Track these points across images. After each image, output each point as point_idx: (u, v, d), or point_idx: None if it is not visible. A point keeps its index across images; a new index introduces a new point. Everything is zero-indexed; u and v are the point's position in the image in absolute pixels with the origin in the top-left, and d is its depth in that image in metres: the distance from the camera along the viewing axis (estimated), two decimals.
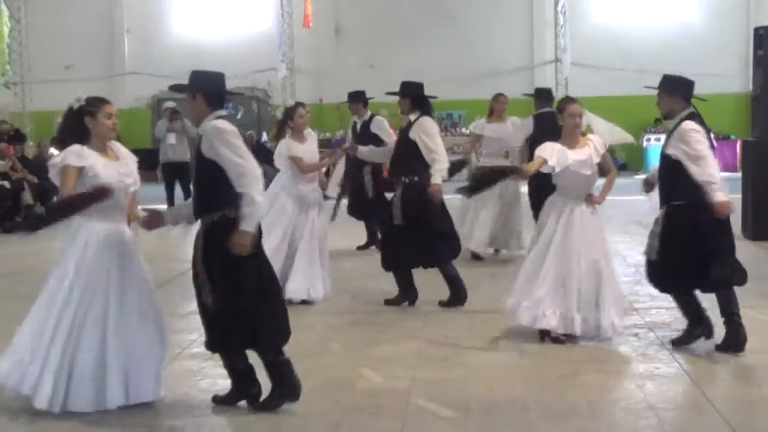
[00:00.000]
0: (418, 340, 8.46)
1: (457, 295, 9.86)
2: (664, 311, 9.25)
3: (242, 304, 6.36)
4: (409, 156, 9.77)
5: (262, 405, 6.53)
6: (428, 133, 9.67)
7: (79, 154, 6.53)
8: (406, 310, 9.75)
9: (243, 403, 6.62)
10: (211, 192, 6.41)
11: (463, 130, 30.02)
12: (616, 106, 29.48)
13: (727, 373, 7.26)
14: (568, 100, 8.48)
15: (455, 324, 9.05)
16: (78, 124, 6.66)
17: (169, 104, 19.63)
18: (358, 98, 13.67)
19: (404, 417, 6.28)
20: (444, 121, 30.05)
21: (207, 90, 6.56)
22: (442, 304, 9.86)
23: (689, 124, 7.73)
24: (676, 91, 7.95)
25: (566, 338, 8.11)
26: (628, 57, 28.23)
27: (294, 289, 9.97)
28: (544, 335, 8.18)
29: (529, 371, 7.37)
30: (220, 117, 6.47)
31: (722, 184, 7.66)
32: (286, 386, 6.48)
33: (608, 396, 6.72)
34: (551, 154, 7.97)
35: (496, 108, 13.30)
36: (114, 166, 6.63)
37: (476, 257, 12.89)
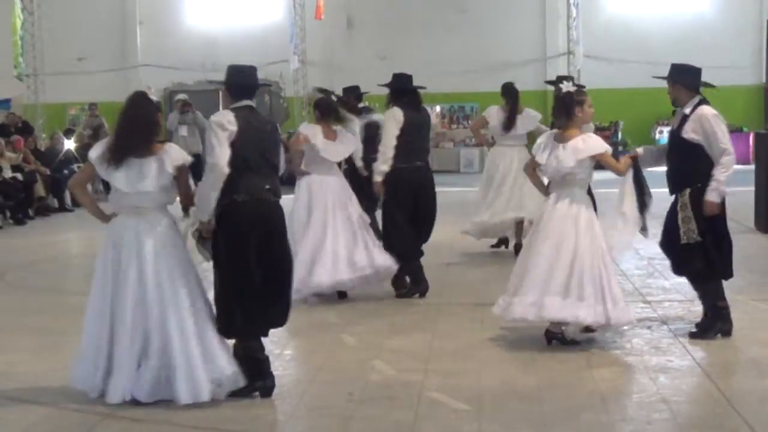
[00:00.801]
0: (430, 332, 8.46)
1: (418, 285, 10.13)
2: (677, 304, 9.24)
3: (242, 291, 6.52)
4: None
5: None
6: (385, 126, 9.98)
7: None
8: (419, 303, 9.75)
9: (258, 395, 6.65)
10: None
11: None
12: (629, 98, 29.47)
13: (740, 366, 7.25)
14: (582, 92, 8.37)
15: (467, 317, 9.05)
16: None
17: (181, 96, 19.64)
18: (350, 93, 13.66)
19: (417, 409, 6.28)
20: (456, 113, 30.05)
21: (230, 83, 6.82)
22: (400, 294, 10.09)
23: (711, 109, 7.87)
24: (678, 80, 8.01)
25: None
26: (641, 49, 28.12)
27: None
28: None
29: (542, 365, 7.36)
30: (235, 107, 6.69)
31: (724, 186, 7.81)
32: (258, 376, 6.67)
33: (621, 389, 6.72)
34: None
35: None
36: None
37: (499, 244, 12.86)
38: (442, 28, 30.23)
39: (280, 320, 6.80)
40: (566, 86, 8.09)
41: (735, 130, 27.96)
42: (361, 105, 13.24)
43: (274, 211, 6.70)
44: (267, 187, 6.64)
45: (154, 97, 6.85)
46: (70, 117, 30.10)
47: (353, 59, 29.77)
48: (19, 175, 18.63)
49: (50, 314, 9.63)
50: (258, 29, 30.83)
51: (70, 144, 21.70)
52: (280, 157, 6.89)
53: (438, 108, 29.79)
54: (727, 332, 7.98)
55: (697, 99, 7.95)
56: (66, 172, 20.77)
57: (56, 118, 29.69)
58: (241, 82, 6.86)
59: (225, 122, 6.53)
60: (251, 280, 6.55)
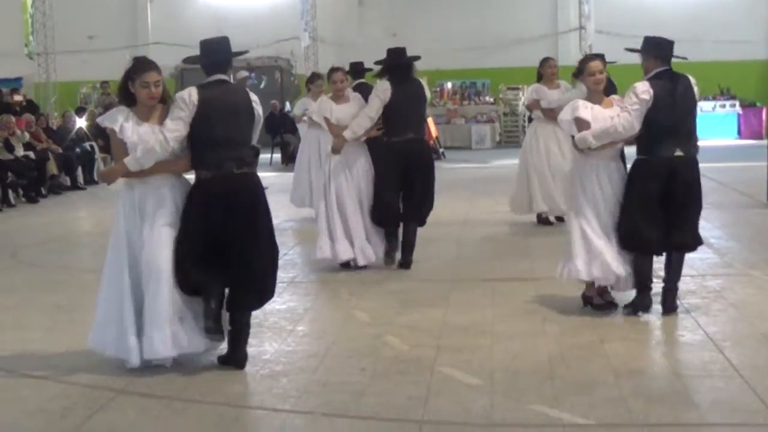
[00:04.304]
0: (442, 308, 8.47)
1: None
2: (689, 279, 9.20)
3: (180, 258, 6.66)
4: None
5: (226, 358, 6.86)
6: (370, 98, 10.20)
7: (110, 117, 6.73)
8: (430, 279, 9.76)
9: (266, 368, 6.68)
10: (192, 153, 6.77)
11: (487, 98, 29.94)
12: (641, 74, 29.38)
13: (753, 340, 7.23)
14: (587, 59, 8.40)
15: (479, 292, 9.05)
16: (125, 88, 6.79)
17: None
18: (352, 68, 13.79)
19: (429, 385, 6.29)
20: (467, 90, 29.98)
21: (202, 63, 6.96)
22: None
23: (642, 84, 7.87)
24: (649, 50, 8.09)
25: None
26: (653, 24, 27.75)
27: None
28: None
29: (554, 339, 7.36)
30: (203, 83, 6.83)
31: (586, 138, 7.82)
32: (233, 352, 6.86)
33: (633, 364, 6.71)
34: (588, 113, 7.91)
35: (546, 73, 12.93)
36: (150, 130, 6.73)
37: (546, 222, 12.86)
38: (453, 4, 30.17)
39: (250, 301, 6.88)
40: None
41: (748, 105, 27.85)
42: (361, 80, 13.21)
43: (241, 184, 6.77)
44: (231, 160, 6.70)
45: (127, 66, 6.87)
46: (82, 95, 30.13)
47: (364, 36, 29.74)
48: (31, 154, 18.68)
49: (63, 292, 9.67)
50: (268, 6, 30.82)
51: (81, 122, 21.76)
52: (252, 128, 6.98)
53: (449, 84, 29.74)
54: (645, 308, 8.02)
55: (653, 72, 7.95)
56: (78, 150, 20.81)
57: (68, 96, 29.72)
58: (212, 60, 6.91)
59: (186, 98, 6.66)
60: (201, 257, 6.66)
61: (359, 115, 10.12)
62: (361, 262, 10.14)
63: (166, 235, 6.62)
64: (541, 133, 12.72)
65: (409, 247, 10.25)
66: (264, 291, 6.90)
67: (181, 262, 6.62)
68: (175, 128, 6.62)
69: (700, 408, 5.77)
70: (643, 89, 7.79)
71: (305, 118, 13.81)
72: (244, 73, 19.59)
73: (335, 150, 10.10)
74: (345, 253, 10.12)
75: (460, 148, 27.87)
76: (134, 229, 6.66)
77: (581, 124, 7.91)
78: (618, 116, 7.80)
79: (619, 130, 7.76)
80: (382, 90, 10.06)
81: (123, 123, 6.65)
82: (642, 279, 7.99)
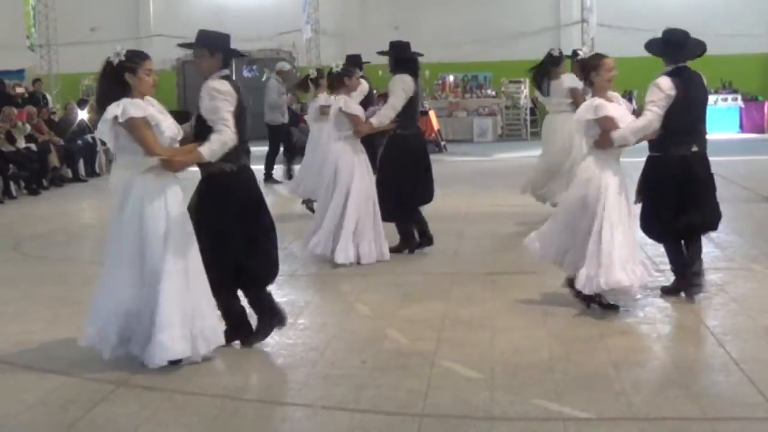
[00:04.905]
0: (443, 301, 8.47)
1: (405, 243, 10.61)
2: None
3: (226, 252, 6.81)
4: None
5: (255, 337, 7.06)
6: (392, 89, 10.34)
7: (137, 105, 6.47)
8: (431, 273, 9.76)
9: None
10: None
11: (489, 91, 29.92)
12: (643, 67, 29.22)
13: (754, 334, 7.23)
14: (599, 56, 8.36)
15: (480, 286, 9.05)
16: (118, 80, 6.54)
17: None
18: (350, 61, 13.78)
19: (429, 378, 6.30)
20: (469, 83, 29.95)
21: (225, 50, 6.97)
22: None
23: (662, 79, 8.00)
24: (652, 51, 8.25)
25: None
26: (655, 17, 27.82)
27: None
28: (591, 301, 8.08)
29: (554, 333, 7.37)
30: (225, 76, 6.89)
31: (628, 135, 7.81)
32: (273, 315, 7.11)
33: (633, 357, 6.71)
34: (615, 111, 7.88)
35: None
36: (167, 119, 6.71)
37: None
38: None
39: (264, 279, 7.12)
40: (582, 53, 8.19)
41: (750, 99, 27.81)
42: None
43: (252, 174, 7.05)
44: (245, 152, 6.96)
45: (115, 58, 6.51)
46: (84, 87, 30.12)
47: (366, 29, 29.70)
48: (33, 146, 18.68)
49: (65, 284, 9.68)
50: None
51: (83, 114, 21.76)
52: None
53: (451, 77, 29.70)
54: (678, 292, 8.30)
55: (670, 69, 8.07)
56: (80, 142, 20.81)
57: (70, 88, 29.70)
58: (230, 49, 7.01)
59: (230, 91, 6.71)
60: (230, 243, 6.82)
61: (385, 106, 10.32)
62: (339, 260, 10.07)
63: (189, 234, 6.65)
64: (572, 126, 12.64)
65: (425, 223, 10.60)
66: (273, 266, 7.15)
67: (222, 261, 6.79)
68: (233, 121, 6.67)
69: (701, 401, 5.76)
70: (669, 85, 7.93)
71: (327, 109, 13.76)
72: (286, 65, 19.63)
73: (358, 134, 10.19)
74: (317, 248, 10.15)
75: (461, 141, 27.82)
76: (153, 217, 6.48)
77: (607, 122, 7.78)
78: (649, 111, 7.89)
79: (654, 125, 7.91)
80: (408, 84, 10.27)
81: (151, 110, 6.52)
82: (674, 264, 8.30)
